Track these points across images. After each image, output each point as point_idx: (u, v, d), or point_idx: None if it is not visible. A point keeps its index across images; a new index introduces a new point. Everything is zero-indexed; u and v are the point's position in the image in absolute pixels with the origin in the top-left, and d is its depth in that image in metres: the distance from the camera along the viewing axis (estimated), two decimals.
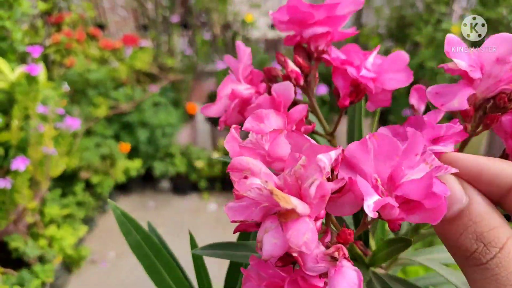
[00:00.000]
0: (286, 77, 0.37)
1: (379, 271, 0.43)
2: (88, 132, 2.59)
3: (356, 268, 0.25)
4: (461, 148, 0.34)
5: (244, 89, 0.37)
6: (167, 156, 2.95)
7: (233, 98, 0.38)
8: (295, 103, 0.38)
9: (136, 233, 0.42)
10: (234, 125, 0.32)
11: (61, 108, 1.92)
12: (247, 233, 0.44)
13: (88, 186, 2.59)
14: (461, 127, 0.29)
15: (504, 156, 0.31)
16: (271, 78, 0.38)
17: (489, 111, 0.31)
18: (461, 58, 0.30)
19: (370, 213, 0.24)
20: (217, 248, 0.38)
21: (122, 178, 2.64)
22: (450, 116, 0.34)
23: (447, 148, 0.28)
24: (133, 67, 2.71)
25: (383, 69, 0.36)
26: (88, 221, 2.58)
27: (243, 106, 0.38)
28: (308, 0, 0.36)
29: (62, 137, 1.98)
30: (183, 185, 3.00)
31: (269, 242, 0.24)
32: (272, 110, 0.33)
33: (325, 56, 0.36)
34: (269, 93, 0.37)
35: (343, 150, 0.27)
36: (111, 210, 0.42)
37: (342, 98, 0.36)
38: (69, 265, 2.30)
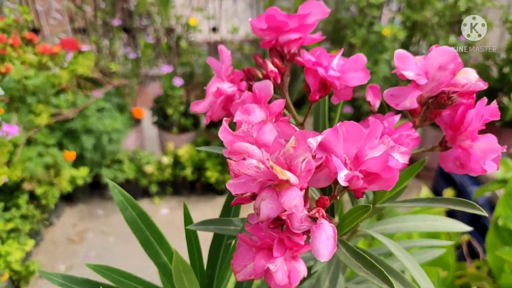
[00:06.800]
0: (266, 76, 0.43)
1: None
2: (29, 142, 2.47)
3: (332, 224, 0.32)
4: None
5: (228, 87, 0.44)
6: (115, 162, 2.90)
7: (218, 95, 0.44)
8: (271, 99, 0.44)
9: (132, 209, 0.47)
10: (225, 118, 0.38)
11: None
12: (228, 212, 0.51)
13: (32, 198, 2.48)
14: (417, 134, 0.37)
15: (444, 142, 0.39)
16: (250, 77, 0.45)
17: (432, 108, 0.39)
18: (409, 69, 0.38)
19: (343, 183, 0.31)
20: (209, 224, 0.44)
21: (68, 187, 2.55)
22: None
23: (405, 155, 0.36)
24: (75, 72, 2.63)
25: (346, 68, 0.43)
26: (34, 234, 2.47)
27: (227, 102, 0.45)
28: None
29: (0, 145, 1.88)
30: (133, 191, 2.96)
31: (266, 207, 0.31)
32: (256, 105, 0.40)
33: (298, 58, 0.43)
34: (250, 90, 0.44)
35: None
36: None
37: (313, 93, 0.43)
38: (17, 281, 2.20)
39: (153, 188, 2.89)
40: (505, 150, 0.36)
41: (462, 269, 1.58)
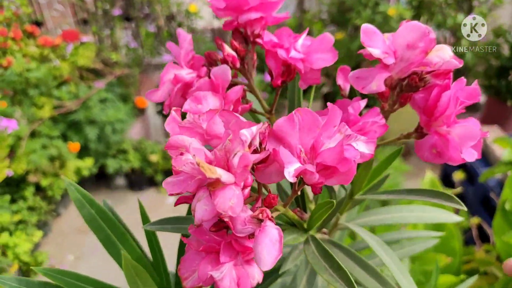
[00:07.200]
0: (224, 61, 0.39)
1: (320, 236, 0.47)
2: (33, 134, 2.48)
3: (277, 227, 0.28)
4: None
5: (186, 74, 0.40)
6: (120, 152, 2.89)
7: (175, 83, 0.40)
8: (235, 84, 0.40)
9: (90, 207, 0.44)
10: (174, 108, 0.35)
11: None
12: None
13: (39, 189, 2.49)
14: (384, 121, 0.33)
15: (419, 128, 0.35)
16: (211, 62, 0.41)
17: (404, 90, 0.35)
18: (376, 46, 0.33)
19: (290, 178, 0.27)
20: (166, 223, 0.40)
21: (74, 178, 2.56)
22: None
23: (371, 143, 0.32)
24: (76, 64, 2.61)
25: (312, 50, 0.39)
26: (42, 225, 2.49)
27: (186, 90, 0.41)
28: None
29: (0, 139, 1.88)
30: (138, 180, 2.96)
31: (201, 209, 0.27)
32: (210, 92, 0.36)
33: (258, 39, 0.39)
34: (210, 76, 0.40)
35: (269, 125, 0.30)
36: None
37: (275, 78, 0.39)
38: (26, 272, 2.22)
39: (159, 177, 2.88)
40: (487, 136, 0.32)
41: (470, 254, 1.53)
